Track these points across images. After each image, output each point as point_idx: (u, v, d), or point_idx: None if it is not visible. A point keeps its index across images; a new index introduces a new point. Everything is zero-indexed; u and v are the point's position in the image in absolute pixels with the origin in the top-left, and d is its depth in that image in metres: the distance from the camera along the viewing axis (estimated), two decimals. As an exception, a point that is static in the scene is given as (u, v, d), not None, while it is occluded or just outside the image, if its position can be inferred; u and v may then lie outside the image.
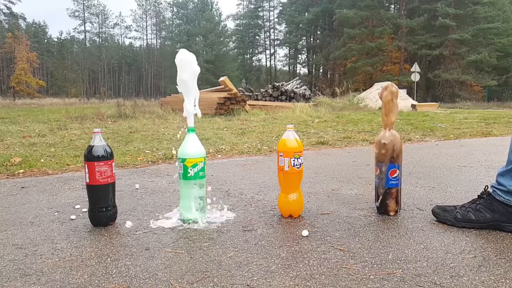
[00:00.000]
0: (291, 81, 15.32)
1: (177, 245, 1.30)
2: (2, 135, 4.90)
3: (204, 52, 51.14)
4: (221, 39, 55.62)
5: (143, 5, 61.53)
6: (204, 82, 41.62)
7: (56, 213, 1.68)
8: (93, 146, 1.47)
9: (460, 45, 30.47)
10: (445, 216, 1.50)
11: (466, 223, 1.45)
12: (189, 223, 1.51)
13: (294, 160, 1.54)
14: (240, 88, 14.29)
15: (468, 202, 1.52)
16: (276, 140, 4.29)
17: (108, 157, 1.48)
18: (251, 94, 13.59)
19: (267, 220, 1.56)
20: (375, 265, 1.14)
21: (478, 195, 1.52)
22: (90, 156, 1.46)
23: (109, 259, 1.20)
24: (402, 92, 15.77)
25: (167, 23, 60.37)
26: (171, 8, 60.91)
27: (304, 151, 1.63)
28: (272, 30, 57.41)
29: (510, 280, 1.04)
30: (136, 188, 2.14)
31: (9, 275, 1.09)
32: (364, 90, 16.67)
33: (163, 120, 7.46)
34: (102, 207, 1.49)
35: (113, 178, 1.51)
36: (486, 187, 1.50)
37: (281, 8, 55.56)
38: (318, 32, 49.57)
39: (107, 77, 58.64)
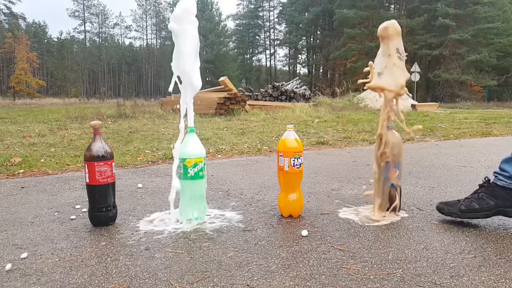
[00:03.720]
0: (291, 81, 15.33)
1: (177, 245, 1.30)
2: (2, 135, 4.90)
3: (204, 52, 51.09)
4: (221, 39, 55.57)
5: (143, 5, 61.57)
6: (204, 82, 41.58)
7: (56, 213, 1.68)
8: (93, 146, 1.48)
9: (460, 45, 30.46)
10: (450, 210, 1.50)
11: (471, 213, 1.45)
12: (189, 223, 1.51)
13: (294, 160, 1.54)
14: (240, 88, 14.28)
15: (470, 194, 1.52)
16: (276, 140, 4.29)
17: (108, 157, 1.48)
18: (251, 94, 13.59)
19: (267, 220, 1.56)
20: (375, 265, 1.14)
21: (479, 185, 1.52)
22: (90, 156, 1.46)
23: (109, 259, 1.20)
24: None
25: (167, 23, 60.18)
26: (171, 8, 60.90)
27: (304, 151, 1.63)
28: (272, 30, 57.41)
29: (510, 280, 1.04)
30: (140, 187, 2.14)
31: (9, 275, 1.09)
32: (364, 90, 16.65)
33: (163, 120, 7.46)
34: (102, 207, 1.49)
35: (113, 178, 1.51)
36: (486, 177, 1.51)
37: (281, 8, 55.55)
38: (318, 32, 49.54)
39: (107, 77, 58.63)
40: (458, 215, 1.47)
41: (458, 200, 1.53)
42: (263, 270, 1.11)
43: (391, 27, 1.55)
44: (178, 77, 1.55)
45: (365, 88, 1.62)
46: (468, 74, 29.79)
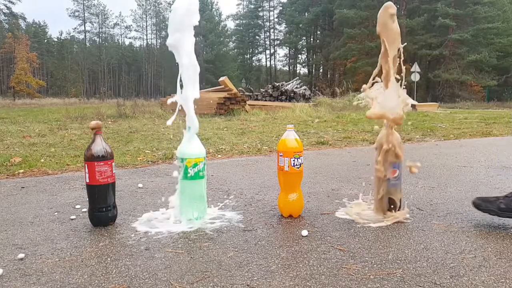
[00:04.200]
0: (291, 81, 15.32)
1: (177, 245, 1.30)
2: (2, 135, 4.90)
3: (204, 52, 51.09)
4: (221, 39, 55.55)
5: (143, 5, 61.57)
6: (204, 82, 41.64)
7: (56, 213, 1.68)
8: (93, 146, 1.48)
9: (460, 45, 30.43)
10: (487, 207, 1.46)
11: (511, 213, 1.42)
12: (189, 223, 1.51)
13: (294, 160, 1.54)
14: (240, 88, 14.29)
15: (510, 193, 1.48)
16: (276, 140, 4.29)
17: (108, 157, 1.48)
18: (251, 94, 13.59)
19: (267, 220, 1.56)
20: (375, 265, 1.14)
21: None
22: (90, 156, 1.46)
23: (109, 259, 1.20)
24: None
25: (167, 23, 60.16)
26: (171, 8, 60.76)
27: (304, 151, 1.63)
28: (272, 30, 57.37)
29: (510, 280, 1.04)
30: (140, 187, 2.14)
31: (9, 275, 1.09)
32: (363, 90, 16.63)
33: (163, 120, 7.46)
34: (102, 207, 1.49)
35: (113, 178, 1.51)
36: None
37: (281, 8, 55.51)
38: (318, 32, 49.50)
39: (107, 77, 58.61)
40: (497, 213, 1.44)
41: (496, 197, 1.49)
42: (263, 270, 1.11)
43: (390, 26, 1.53)
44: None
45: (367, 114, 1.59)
46: (468, 74, 29.76)
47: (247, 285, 1.02)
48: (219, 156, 3.32)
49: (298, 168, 1.56)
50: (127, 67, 61.79)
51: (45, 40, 59.48)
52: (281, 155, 1.56)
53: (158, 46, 61.18)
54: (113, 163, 1.51)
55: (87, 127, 6.03)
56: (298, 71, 54.41)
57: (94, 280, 1.06)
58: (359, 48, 34.57)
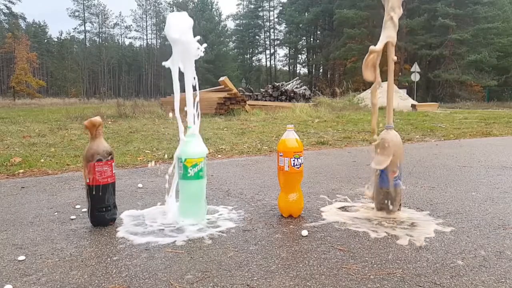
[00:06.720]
0: (291, 81, 15.33)
1: (177, 245, 1.30)
2: (2, 135, 4.90)
3: (204, 52, 51.07)
4: (221, 39, 55.55)
5: (143, 5, 61.62)
6: (204, 82, 41.62)
7: (56, 213, 1.67)
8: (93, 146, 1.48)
9: (460, 45, 30.45)
10: None
11: None
12: (189, 223, 1.51)
13: (294, 160, 1.54)
14: (240, 88, 14.29)
15: None
16: (276, 140, 4.29)
17: (108, 157, 1.48)
18: (251, 94, 13.59)
19: (267, 220, 1.56)
20: (375, 265, 1.14)
21: None
22: (90, 157, 1.46)
23: (109, 259, 1.20)
24: (402, 92, 15.77)
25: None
26: (171, 8, 60.87)
27: (304, 151, 1.63)
28: (272, 30, 57.39)
29: (510, 280, 1.04)
30: (140, 187, 2.14)
31: (9, 275, 1.09)
32: (364, 90, 16.67)
33: (163, 120, 7.46)
34: (102, 207, 1.49)
35: (113, 178, 1.51)
36: None
37: (281, 8, 55.53)
38: (318, 32, 49.51)
39: (107, 77, 58.62)
40: None
41: None
42: (263, 270, 1.11)
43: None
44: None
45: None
46: (468, 74, 29.79)
47: (247, 285, 1.02)
48: (219, 156, 3.32)
49: (298, 168, 1.56)
50: (127, 67, 61.79)
51: (45, 40, 59.46)
52: (281, 155, 1.56)
53: (158, 46, 61.19)
54: (113, 163, 1.51)
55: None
56: (298, 71, 54.44)
57: (94, 280, 1.06)
58: (359, 48, 34.56)
